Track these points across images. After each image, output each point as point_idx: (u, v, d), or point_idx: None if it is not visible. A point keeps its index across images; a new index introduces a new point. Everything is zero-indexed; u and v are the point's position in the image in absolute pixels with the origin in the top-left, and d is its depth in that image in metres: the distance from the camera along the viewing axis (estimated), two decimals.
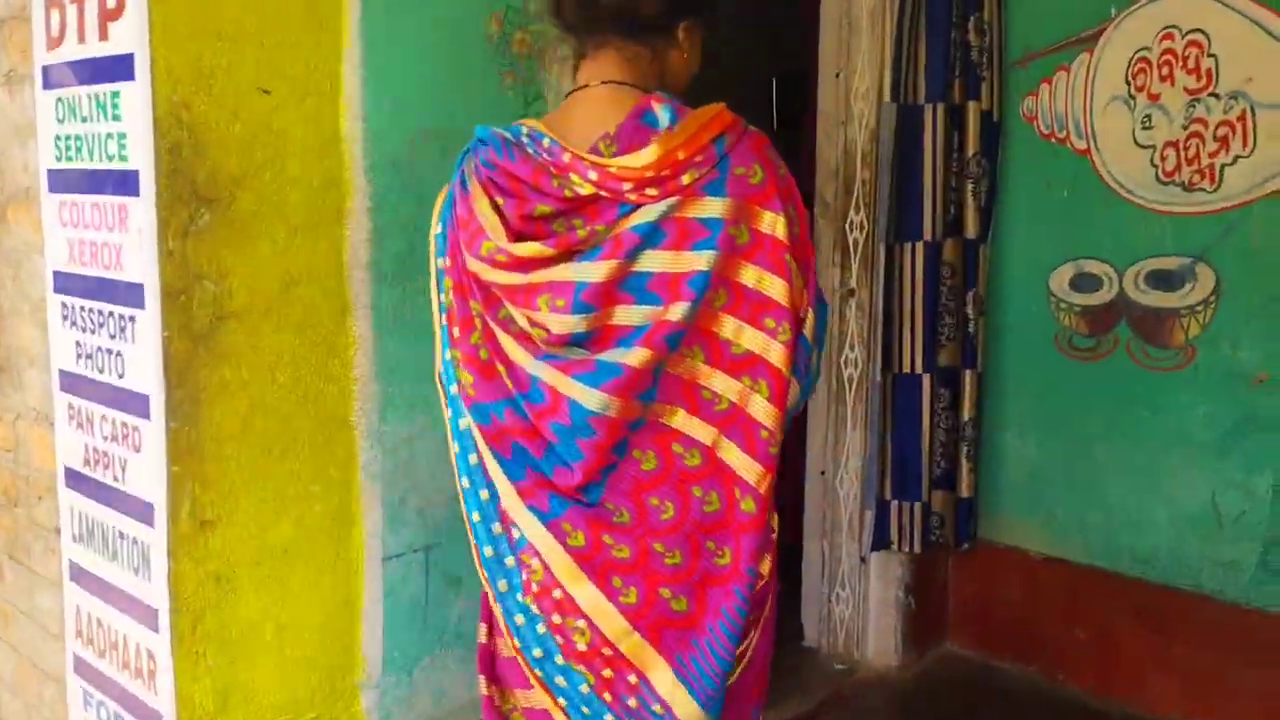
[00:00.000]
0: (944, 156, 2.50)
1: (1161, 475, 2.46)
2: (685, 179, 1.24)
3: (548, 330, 1.28)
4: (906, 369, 2.55)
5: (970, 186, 2.56)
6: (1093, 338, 2.54)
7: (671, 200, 1.24)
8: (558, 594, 1.31)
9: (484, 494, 1.36)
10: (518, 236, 1.28)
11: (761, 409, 1.29)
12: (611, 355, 1.26)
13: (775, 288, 1.27)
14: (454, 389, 1.37)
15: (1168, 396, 2.43)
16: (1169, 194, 2.39)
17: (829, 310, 2.28)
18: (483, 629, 1.45)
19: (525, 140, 1.31)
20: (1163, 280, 2.42)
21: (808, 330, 1.31)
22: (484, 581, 1.37)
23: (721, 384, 1.29)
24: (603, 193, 1.26)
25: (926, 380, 2.55)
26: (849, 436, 2.67)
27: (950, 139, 2.52)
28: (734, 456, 1.30)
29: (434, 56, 1.87)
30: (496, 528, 1.35)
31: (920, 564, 2.72)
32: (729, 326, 1.28)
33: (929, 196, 2.50)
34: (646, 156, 1.23)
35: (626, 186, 1.25)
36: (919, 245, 2.51)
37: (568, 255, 1.27)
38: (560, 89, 1.96)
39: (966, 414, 2.61)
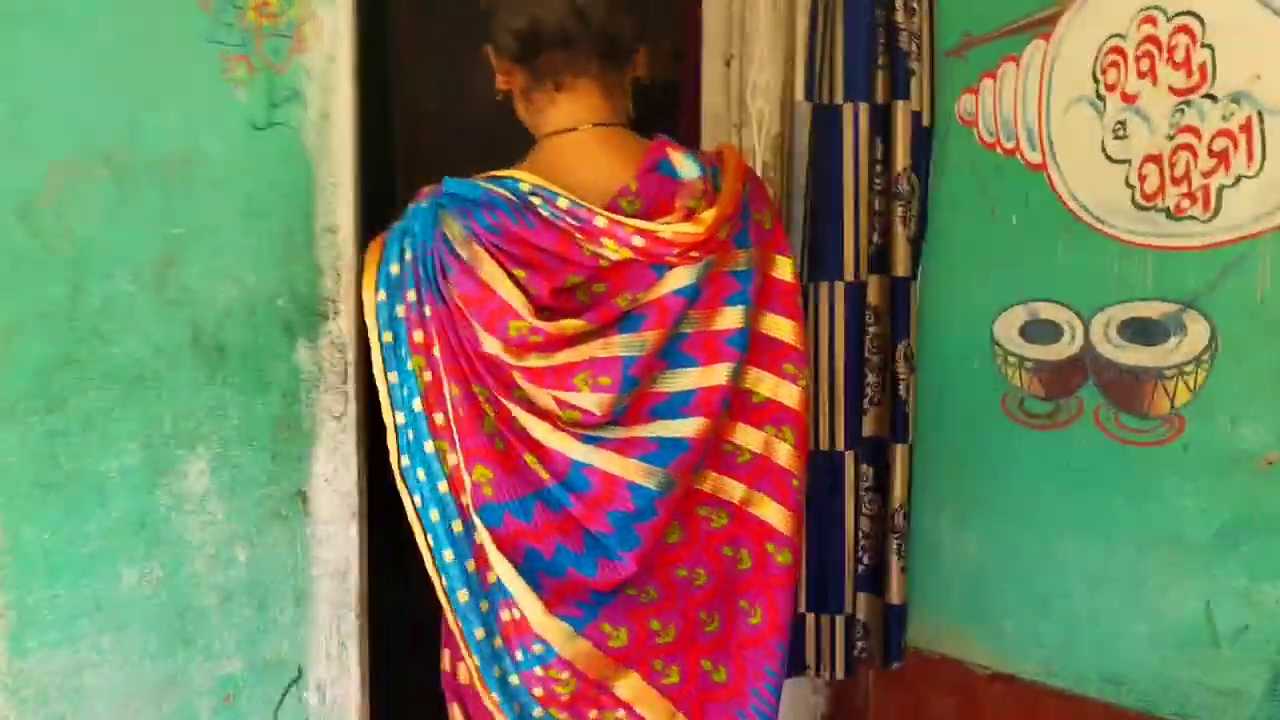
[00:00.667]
0: (868, 171, 1.93)
1: (1141, 578, 1.94)
2: (722, 234, 1.20)
3: (583, 410, 1.18)
4: (824, 445, 1.97)
5: (899, 210, 1.99)
6: (1051, 401, 2.01)
7: (711, 258, 1.19)
8: (594, 693, 1.23)
9: (484, 605, 1.24)
10: (543, 311, 1.17)
11: (787, 456, 1.28)
12: (668, 430, 1.20)
13: (791, 332, 1.27)
14: (442, 486, 1.21)
15: (1148, 479, 1.91)
16: (1149, 222, 1.87)
17: None
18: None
19: (535, 200, 1.17)
20: (1141, 332, 1.90)
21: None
22: (491, 704, 1.25)
23: (744, 436, 1.26)
24: (640, 257, 1.18)
25: (849, 459, 1.98)
26: None
27: (874, 148, 1.95)
28: (768, 509, 1.27)
29: (93, 35, 1.19)
30: (499, 643, 1.24)
31: (840, 686, 2.16)
32: (750, 376, 1.25)
33: (850, 223, 1.93)
34: (704, 221, 1.17)
35: (674, 252, 1.18)
36: (839, 286, 1.94)
37: (608, 328, 1.18)
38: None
39: (896, 498, 2.05)
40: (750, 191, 1.24)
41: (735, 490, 1.26)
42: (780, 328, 1.26)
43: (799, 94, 1.90)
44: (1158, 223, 1.87)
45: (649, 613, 1.24)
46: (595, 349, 1.17)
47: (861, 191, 1.93)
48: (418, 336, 1.18)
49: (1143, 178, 1.87)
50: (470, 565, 1.21)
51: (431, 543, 1.21)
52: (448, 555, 1.21)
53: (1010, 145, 2.01)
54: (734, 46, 2.01)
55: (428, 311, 1.18)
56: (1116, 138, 1.89)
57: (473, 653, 1.23)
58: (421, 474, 1.20)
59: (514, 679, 1.23)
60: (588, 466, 1.18)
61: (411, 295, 1.18)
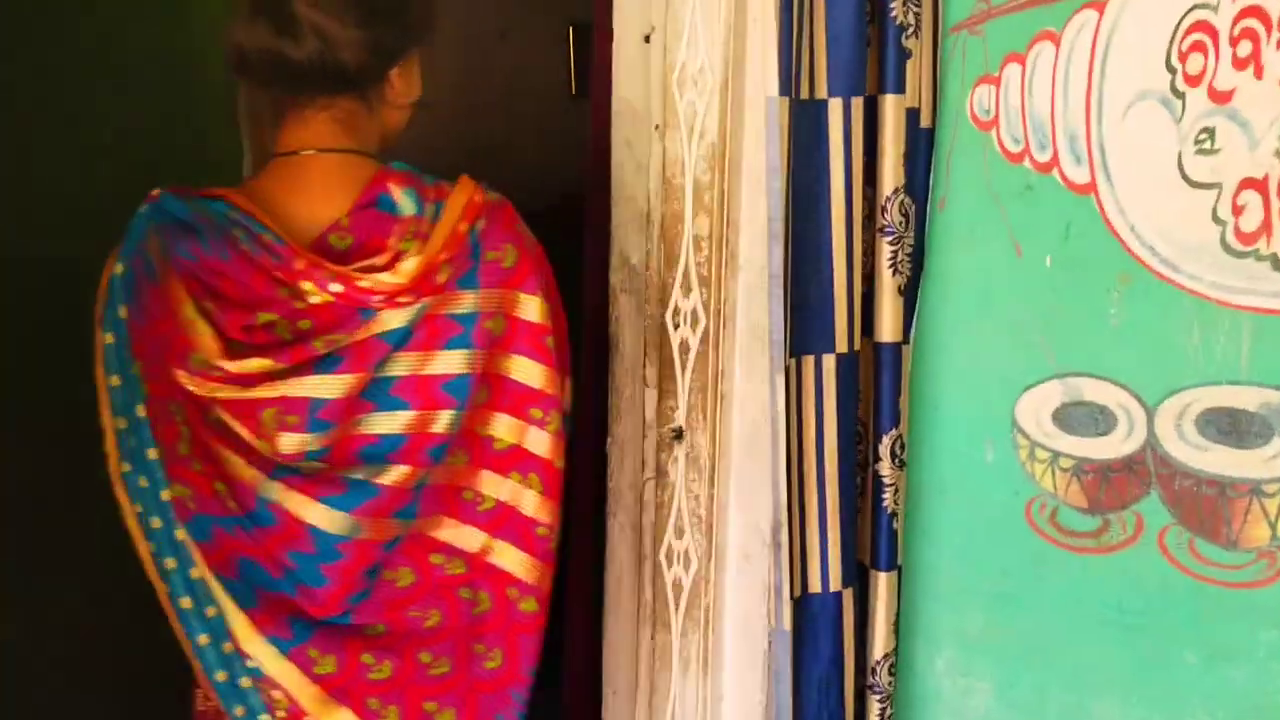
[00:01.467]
0: (862, 196, 1.34)
1: None
2: (440, 277, 1.14)
3: (274, 445, 1.14)
4: (814, 586, 1.40)
5: (887, 249, 1.41)
6: (1096, 515, 1.45)
7: (425, 302, 1.14)
8: None
9: (210, 611, 1.18)
10: (233, 345, 1.12)
11: (534, 504, 1.23)
12: (364, 474, 1.15)
13: (539, 377, 1.21)
14: (166, 495, 1.14)
15: (1232, 632, 1.36)
16: (1246, 274, 1.30)
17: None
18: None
19: (237, 232, 1.11)
20: (1230, 428, 1.34)
21: (566, 403, 1.25)
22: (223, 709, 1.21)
23: (487, 483, 1.22)
24: (341, 301, 1.12)
25: (848, 599, 1.41)
26: (677, 696, 1.50)
27: (864, 162, 1.36)
28: (509, 558, 1.24)
29: None
30: (228, 646, 1.19)
31: None
32: (491, 423, 1.20)
33: (842, 270, 1.35)
34: (406, 272, 1.12)
35: (376, 299, 1.13)
36: (827, 361, 1.35)
37: (300, 369, 1.12)
38: None
39: (880, 646, 1.48)
40: (484, 229, 1.17)
41: (473, 539, 1.23)
42: (526, 371, 1.20)
43: (766, 86, 1.30)
44: (1258, 275, 1.30)
45: (365, 646, 1.20)
46: (285, 388, 1.13)
47: (855, 225, 1.35)
48: (109, 337, 1.13)
49: (1238, 210, 1.30)
50: (194, 572, 1.17)
51: (154, 548, 1.16)
52: (169, 563, 1.17)
53: (1044, 158, 1.42)
54: (655, 15, 1.40)
55: (131, 322, 1.13)
56: (1200, 151, 1.32)
57: (196, 657, 1.20)
58: (144, 481, 1.15)
59: (244, 681, 1.21)
60: (271, 502, 1.16)
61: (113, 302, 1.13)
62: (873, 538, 1.45)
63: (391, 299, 1.14)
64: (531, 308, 1.20)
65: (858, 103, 1.34)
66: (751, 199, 1.39)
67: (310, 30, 1.12)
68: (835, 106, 1.32)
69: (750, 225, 1.39)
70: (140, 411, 1.14)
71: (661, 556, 1.47)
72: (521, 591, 1.24)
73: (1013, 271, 1.46)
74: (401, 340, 1.15)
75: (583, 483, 1.62)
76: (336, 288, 1.12)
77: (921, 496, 1.53)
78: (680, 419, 1.45)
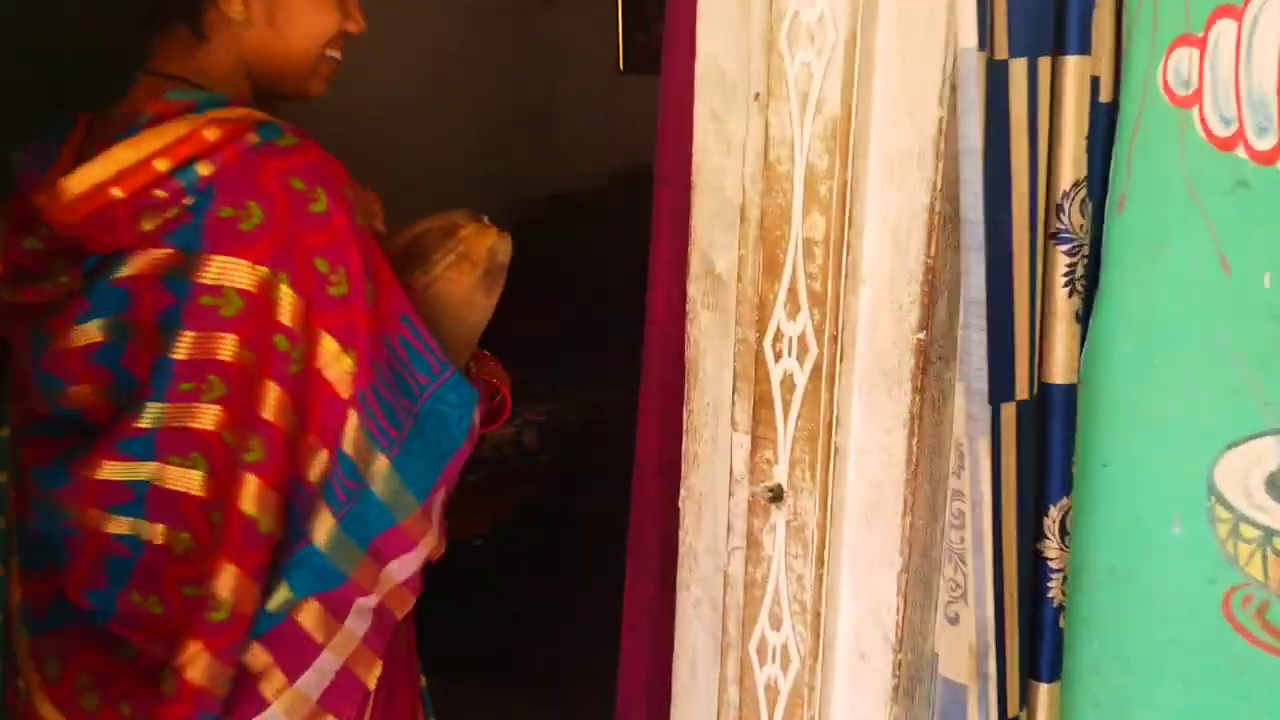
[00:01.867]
0: (1045, 190, 1.00)
1: None
2: (145, 224, 0.95)
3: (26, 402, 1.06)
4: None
5: (1064, 260, 1.06)
6: None
7: (134, 258, 0.96)
8: None
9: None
10: (13, 267, 1.04)
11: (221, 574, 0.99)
12: (70, 456, 1.00)
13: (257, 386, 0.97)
14: (3, 431, 1.12)
15: None
16: None
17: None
18: None
19: (50, 141, 1.06)
20: None
21: (348, 439, 0.97)
22: None
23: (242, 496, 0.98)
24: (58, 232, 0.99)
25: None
26: None
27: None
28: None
29: None
30: None
31: None
32: (211, 418, 0.97)
33: (1023, 292, 1.00)
34: (65, 193, 0.93)
35: (69, 223, 0.95)
36: (1005, 412, 1.01)
37: (36, 310, 1.02)
38: None
39: None
40: (221, 172, 0.94)
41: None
42: (249, 364, 0.99)
43: (965, 38, 0.95)
44: None
45: None
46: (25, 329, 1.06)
47: (1039, 231, 1.01)
48: None
49: None
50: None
51: None
52: None
53: (1265, 145, 1.07)
54: None
55: None
56: None
57: None
58: None
59: None
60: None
61: None
62: (1032, 639, 1.11)
63: (84, 234, 0.97)
64: (261, 282, 0.95)
65: (1045, 65, 0.99)
66: (882, 193, 1.06)
67: None
68: (1018, 70, 0.98)
69: (881, 226, 1.05)
70: None
71: (751, 650, 1.14)
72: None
73: (1217, 293, 1.11)
74: (104, 297, 0.98)
75: (647, 539, 1.30)
76: (37, 209, 0.99)
77: (1084, 582, 1.19)
78: (780, 475, 1.11)
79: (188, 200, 0.95)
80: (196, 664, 0.96)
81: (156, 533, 1.01)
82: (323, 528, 1.00)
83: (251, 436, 0.98)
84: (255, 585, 0.99)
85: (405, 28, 3.91)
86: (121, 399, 1.00)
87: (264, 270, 0.95)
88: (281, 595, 1.02)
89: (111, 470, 0.99)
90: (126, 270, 0.97)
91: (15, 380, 1.08)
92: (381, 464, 1.00)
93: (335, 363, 0.98)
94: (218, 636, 0.98)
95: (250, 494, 0.97)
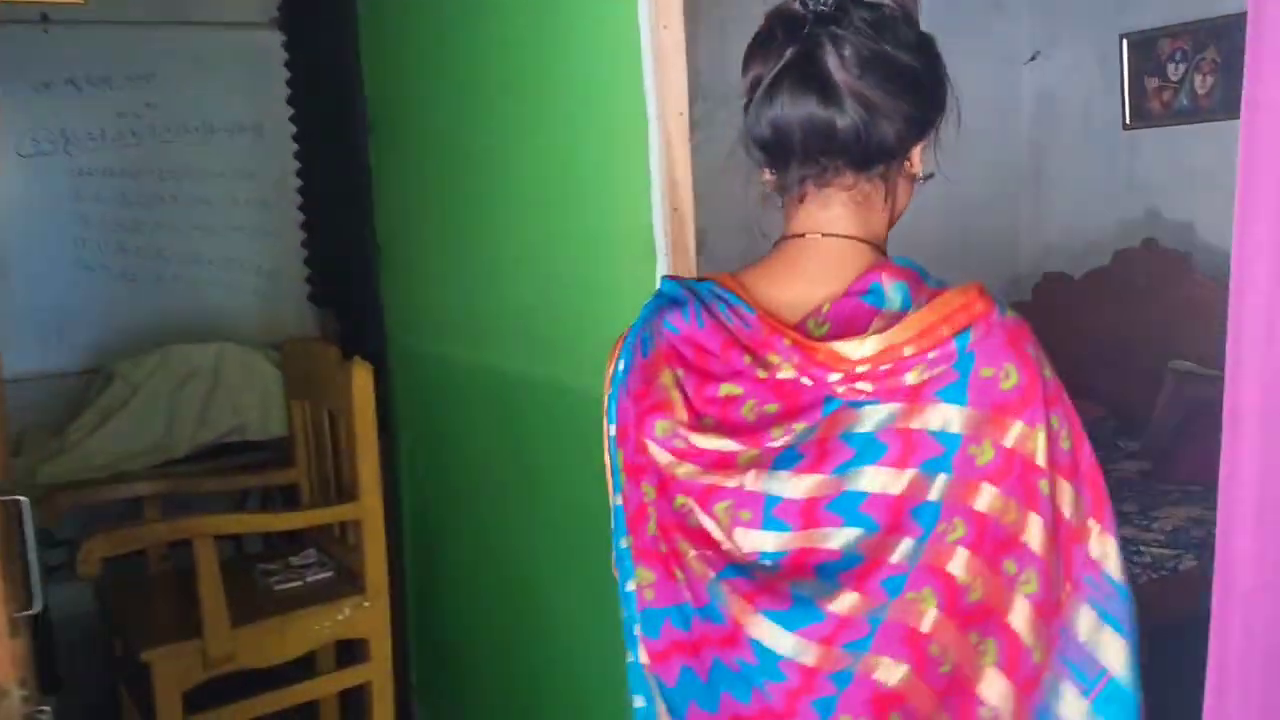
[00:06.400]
0: None
1: None
2: (910, 378, 1.02)
3: (731, 540, 1.06)
4: None
5: None
6: None
7: (894, 407, 1.02)
8: None
9: (639, 701, 1.16)
10: (707, 418, 1.09)
11: (988, 679, 1.05)
12: (812, 591, 1.03)
13: (1020, 521, 1.04)
14: (630, 586, 1.14)
15: None
16: None
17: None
18: None
19: (716, 304, 1.11)
20: None
21: (1112, 569, 1.06)
22: None
23: (949, 638, 1.03)
24: (804, 380, 1.05)
25: None
26: None
27: None
28: None
29: None
30: None
31: None
32: (961, 564, 1.02)
33: None
34: (866, 349, 1.02)
35: (834, 377, 1.03)
36: None
37: (760, 460, 1.05)
38: None
39: None
40: (977, 340, 1.02)
41: (926, 700, 1.04)
42: (1008, 513, 1.03)
43: None
44: None
45: None
46: (744, 479, 1.06)
47: None
48: (614, 430, 1.17)
49: None
50: (645, 661, 1.14)
51: (629, 653, 1.16)
52: (629, 657, 1.16)
53: None
54: None
55: (619, 403, 1.17)
56: None
57: None
58: (616, 566, 1.18)
59: None
60: (720, 603, 1.07)
61: (613, 389, 1.18)
62: None
63: (849, 382, 1.03)
64: (1022, 437, 1.04)
65: None
66: None
67: (853, 99, 1.06)
68: None
69: None
70: (617, 500, 1.18)
71: None
72: None
73: None
74: (865, 446, 1.03)
75: None
76: (795, 358, 1.05)
77: None
78: None
79: (955, 360, 1.03)
80: None
81: (867, 662, 1.03)
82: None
83: (979, 585, 1.04)
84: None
85: None
86: (845, 546, 1.04)
87: (1022, 425, 1.04)
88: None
89: (857, 605, 1.02)
90: (893, 423, 1.03)
91: (668, 526, 1.12)
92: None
93: (1071, 508, 1.06)
94: None
95: (1022, 617, 1.05)
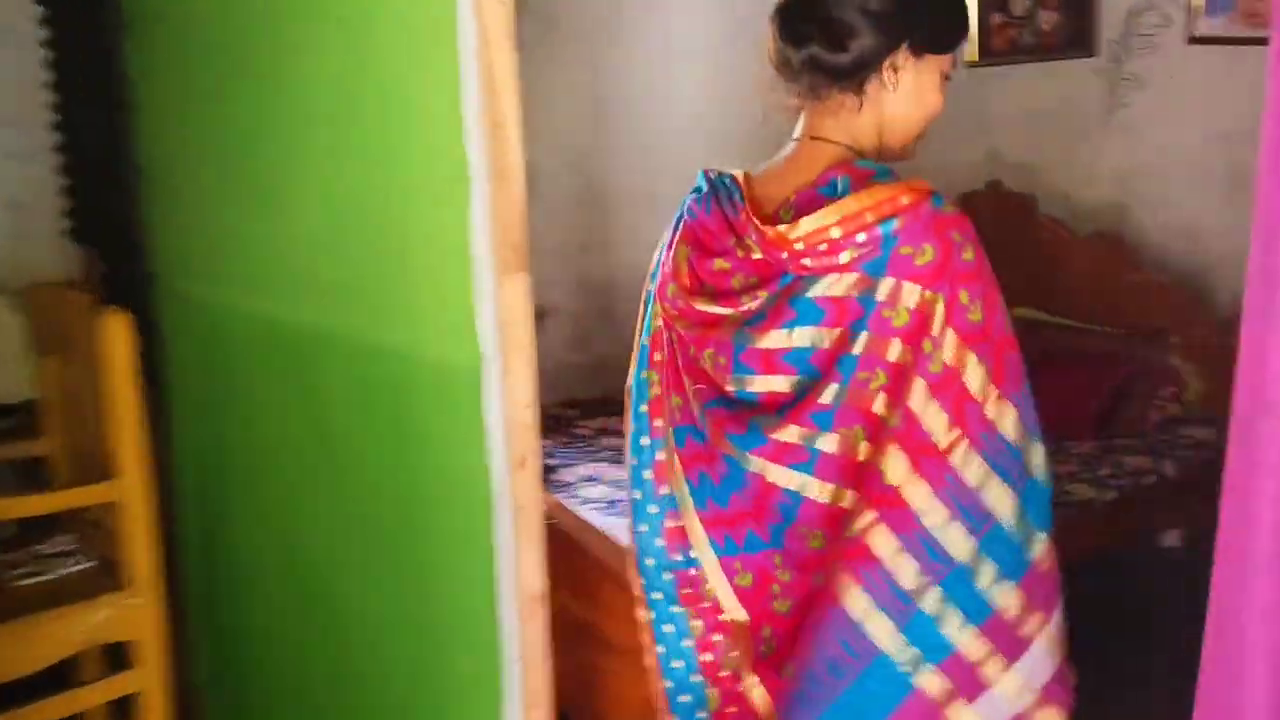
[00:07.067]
0: None
1: None
2: (844, 257, 1.27)
3: (711, 381, 1.38)
4: None
5: None
6: None
7: (830, 278, 1.28)
8: (719, 617, 1.42)
9: (653, 509, 1.44)
10: (702, 285, 1.38)
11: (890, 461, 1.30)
12: (763, 422, 1.32)
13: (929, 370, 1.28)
14: (643, 407, 1.46)
15: None
16: None
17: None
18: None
19: (722, 194, 1.39)
20: None
21: (1007, 428, 1.27)
22: (638, 588, 1.48)
23: (885, 461, 1.29)
24: (768, 258, 1.32)
25: None
26: None
27: None
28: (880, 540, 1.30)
29: None
30: (659, 542, 1.44)
31: None
32: (881, 404, 1.28)
33: None
34: (799, 230, 1.28)
35: (784, 255, 1.29)
36: None
37: (737, 320, 1.34)
38: None
39: None
40: (901, 226, 1.25)
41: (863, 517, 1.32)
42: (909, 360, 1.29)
43: None
44: None
45: (779, 582, 1.38)
46: (723, 333, 1.35)
47: None
48: (652, 286, 1.47)
49: None
50: (646, 474, 1.44)
51: (629, 447, 1.49)
52: (631, 460, 1.48)
53: None
54: None
55: (660, 269, 1.45)
56: None
57: (634, 540, 1.48)
58: (630, 391, 1.49)
59: (666, 575, 1.44)
60: (703, 424, 1.38)
61: (659, 255, 1.47)
62: None
63: (795, 260, 1.29)
64: (926, 300, 1.25)
65: None
66: None
67: (818, 26, 1.33)
68: None
69: None
70: (644, 340, 1.48)
71: None
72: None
73: None
74: (806, 310, 1.29)
75: None
76: (754, 238, 1.32)
77: None
78: None
79: (881, 242, 1.26)
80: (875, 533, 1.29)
81: (821, 489, 1.31)
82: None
83: (895, 415, 1.28)
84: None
85: None
86: (797, 388, 1.31)
87: (928, 294, 1.25)
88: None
89: (796, 434, 1.30)
90: (828, 291, 1.28)
91: (684, 365, 1.40)
92: (1039, 451, 1.32)
93: (973, 371, 1.26)
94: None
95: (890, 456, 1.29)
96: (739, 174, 1.39)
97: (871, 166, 1.33)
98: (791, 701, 1.34)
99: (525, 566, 1.29)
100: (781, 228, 1.27)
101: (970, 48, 3.88)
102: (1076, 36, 3.56)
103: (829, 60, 1.32)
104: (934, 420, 1.25)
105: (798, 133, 1.38)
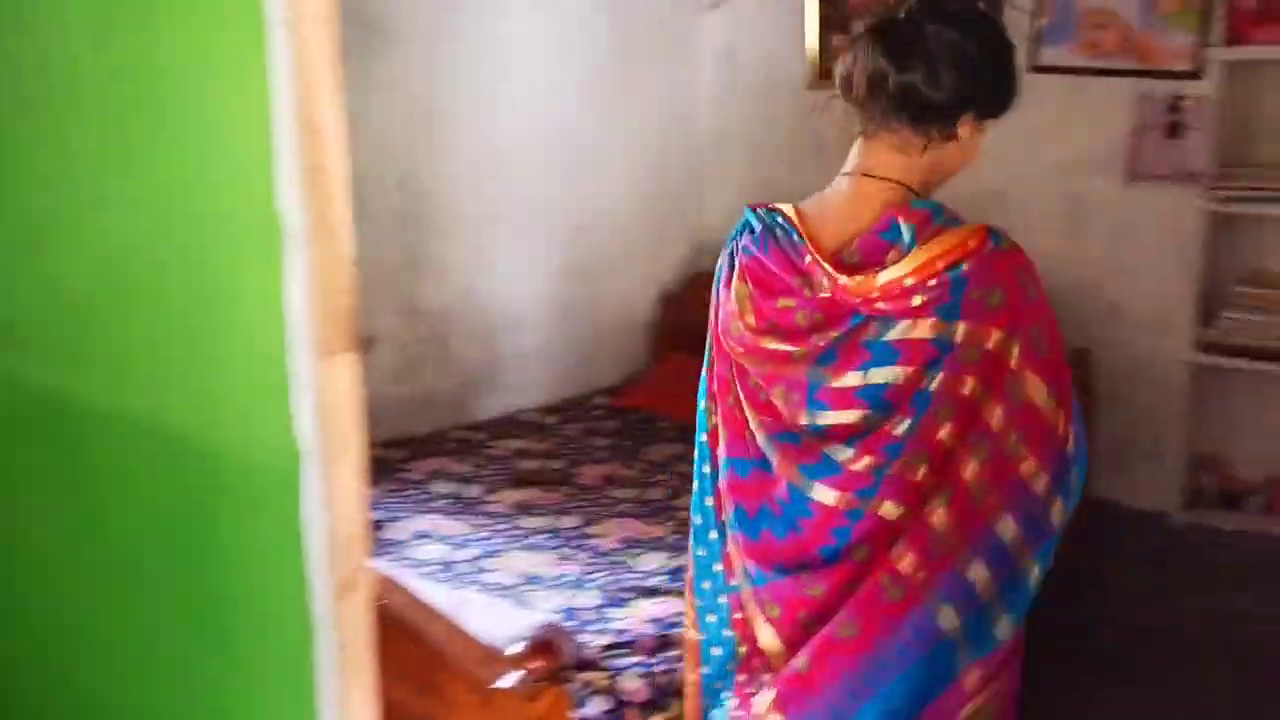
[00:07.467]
0: None
1: None
2: (916, 300, 1.35)
3: (779, 415, 1.45)
4: None
5: None
6: None
7: (904, 322, 1.36)
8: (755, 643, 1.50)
9: (713, 534, 1.54)
10: (769, 324, 1.43)
11: (937, 512, 1.39)
12: (836, 453, 1.40)
13: (988, 405, 1.38)
14: (703, 436, 1.56)
15: None
16: None
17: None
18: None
19: (779, 233, 1.44)
20: None
21: (1070, 446, 1.41)
22: (691, 609, 1.58)
23: (932, 484, 1.39)
24: (837, 299, 1.38)
25: None
26: None
27: None
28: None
29: None
30: (718, 566, 1.53)
31: None
32: (946, 433, 1.37)
33: None
34: (877, 280, 1.35)
35: (856, 300, 1.37)
36: None
37: (808, 357, 1.41)
38: None
39: None
40: (969, 270, 1.34)
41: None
42: (978, 393, 1.38)
43: None
44: None
45: (803, 602, 1.44)
46: (793, 370, 1.42)
47: None
48: (711, 320, 1.54)
49: None
50: (709, 501, 1.55)
51: (695, 480, 1.58)
52: (694, 486, 1.59)
53: None
54: None
55: (715, 304, 1.53)
56: None
57: (693, 563, 1.59)
58: (700, 418, 1.58)
59: (721, 598, 1.53)
60: (770, 457, 1.45)
61: (715, 287, 1.54)
62: None
63: (869, 304, 1.36)
64: (998, 341, 1.36)
65: None
66: None
67: (918, 59, 1.37)
68: None
69: None
70: (705, 374, 1.56)
71: None
72: (894, 582, 1.40)
73: None
74: (883, 352, 1.37)
75: None
76: (826, 283, 1.38)
77: None
78: None
79: (950, 287, 1.35)
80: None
81: (876, 505, 1.40)
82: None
83: (974, 438, 1.39)
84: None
85: None
86: (868, 421, 1.39)
87: (1001, 335, 1.36)
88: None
89: (868, 464, 1.39)
90: (904, 335, 1.37)
91: (748, 399, 1.49)
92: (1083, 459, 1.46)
93: (1045, 398, 1.38)
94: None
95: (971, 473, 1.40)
96: (788, 210, 1.44)
97: (926, 206, 1.40)
98: (854, 678, 1.40)
99: (352, 712, 1.04)
100: (860, 279, 1.35)
101: (808, 70, 3.80)
102: None
103: (926, 93, 1.37)
104: (1013, 446, 1.37)
105: (849, 167, 1.44)
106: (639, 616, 2.16)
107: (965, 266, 1.33)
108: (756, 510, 1.45)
